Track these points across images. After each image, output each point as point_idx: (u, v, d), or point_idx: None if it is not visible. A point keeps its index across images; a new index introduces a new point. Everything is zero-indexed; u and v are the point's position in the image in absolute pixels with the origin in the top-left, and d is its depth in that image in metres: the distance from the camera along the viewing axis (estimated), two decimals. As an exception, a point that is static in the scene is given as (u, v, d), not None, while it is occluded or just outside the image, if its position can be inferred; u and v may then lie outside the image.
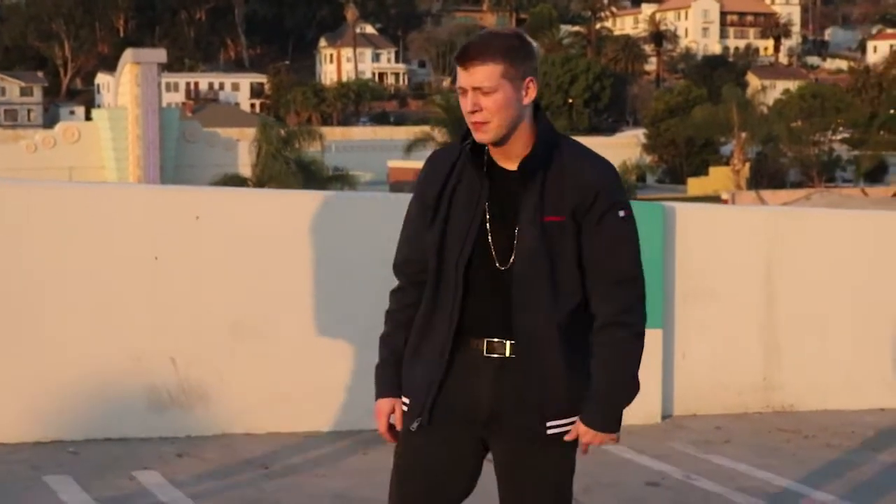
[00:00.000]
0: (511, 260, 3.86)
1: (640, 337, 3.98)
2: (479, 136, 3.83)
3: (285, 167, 60.18)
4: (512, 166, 3.88)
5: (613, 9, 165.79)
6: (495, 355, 3.88)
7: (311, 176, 59.45)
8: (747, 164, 79.73)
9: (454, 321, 3.88)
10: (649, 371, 8.49)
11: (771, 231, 9.17)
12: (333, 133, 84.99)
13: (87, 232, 7.51)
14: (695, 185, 79.55)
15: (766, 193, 67.41)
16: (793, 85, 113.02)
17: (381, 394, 4.06)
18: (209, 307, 7.68)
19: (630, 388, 3.94)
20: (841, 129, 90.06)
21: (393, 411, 4.03)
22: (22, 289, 7.37)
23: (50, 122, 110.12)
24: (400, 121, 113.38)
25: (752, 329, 9.05)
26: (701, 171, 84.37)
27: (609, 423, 3.91)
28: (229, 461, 7.20)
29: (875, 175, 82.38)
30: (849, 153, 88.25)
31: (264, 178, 58.83)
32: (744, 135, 78.29)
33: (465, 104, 3.84)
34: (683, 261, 8.77)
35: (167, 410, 7.60)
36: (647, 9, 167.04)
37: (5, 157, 71.50)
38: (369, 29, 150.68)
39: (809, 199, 52.57)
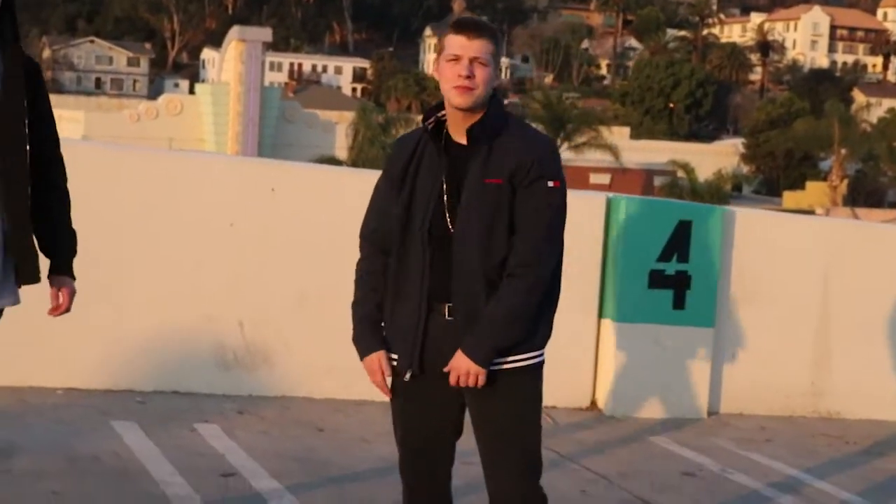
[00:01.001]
0: (450, 219, 4.34)
1: (541, 286, 4.34)
2: (462, 100, 4.28)
3: (381, 152, 60.70)
4: (465, 139, 4.37)
5: (721, 16, 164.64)
6: (454, 318, 4.36)
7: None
8: (845, 181, 79.07)
9: (425, 285, 4.36)
10: (699, 368, 8.79)
11: (829, 240, 9.39)
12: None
13: (171, 196, 7.94)
14: (790, 198, 79.08)
15: (861, 211, 66.96)
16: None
17: (367, 351, 4.50)
18: (278, 276, 8.07)
19: (519, 328, 4.34)
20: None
21: (381, 365, 4.48)
22: (108, 245, 7.79)
23: (155, 93, 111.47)
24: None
25: (804, 334, 9.27)
26: (798, 184, 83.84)
27: (481, 354, 4.30)
28: (285, 421, 7.59)
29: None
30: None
31: (359, 161, 59.45)
32: (844, 151, 77.55)
33: (457, 69, 4.28)
34: (740, 263, 9.01)
35: (232, 370, 8.01)
36: (755, 18, 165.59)
37: (109, 125, 72.74)
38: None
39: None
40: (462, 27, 4.34)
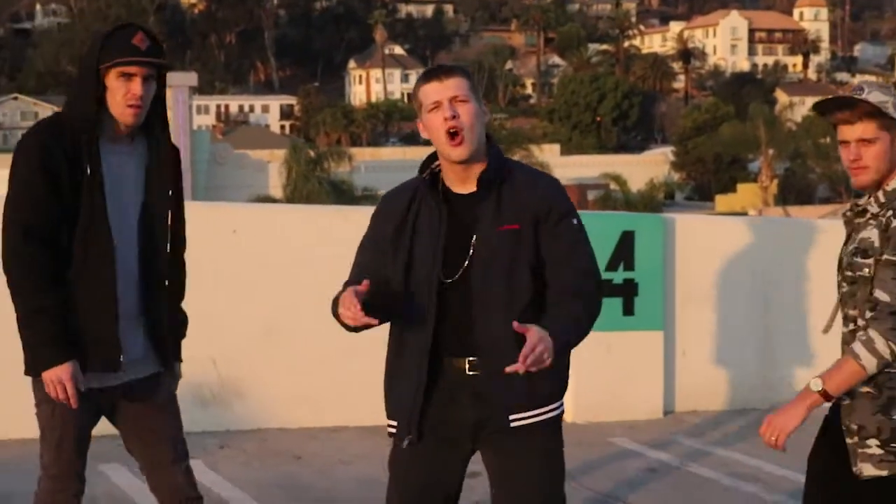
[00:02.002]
0: (463, 269, 4.17)
1: (595, 312, 4.27)
2: (458, 151, 4.14)
3: (318, 187, 60.98)
4: (468, 189, 4.24)
5: (641, 27, 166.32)
6: (475, 372, 4.17)
7: (341, 196, 60.26)
8: (775, 181, 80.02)
9: (429, 341, 4.18)
10: (652, 370, 9.20)
11: (765, 238, 9.84)
12: (363, 153, 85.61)
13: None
14: (723, 202, 79.95)
15: (793, 209, 67.85)
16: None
17: (339, 295, 4.21)
18: (245, 312, 8.43)
19: (580, 332, 4.19)
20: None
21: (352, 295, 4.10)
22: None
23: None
24: (429, 141, 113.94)
25: (750, 330, 9.71)
26: (729, 188, 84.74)
27: (564, 337, 4.06)
28: (264, 452, 7.95)
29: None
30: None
31: (295, 198, 59.65)
32: (771, 151, 78.52)
33: (441, 114, 4.15)
34: (683, 267, 9.44)
35: (209, 406, 8.35)
36: (675, 26, 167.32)
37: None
38: (398, 50, 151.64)
39: (836, 214, 53.06)
40: (430, 75, 4.24)
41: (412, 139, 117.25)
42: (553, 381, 4.25)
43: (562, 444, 4.38)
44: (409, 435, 4.24)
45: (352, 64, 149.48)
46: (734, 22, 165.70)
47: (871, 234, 4.23)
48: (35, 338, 4.46)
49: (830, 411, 4.37)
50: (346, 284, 4.28)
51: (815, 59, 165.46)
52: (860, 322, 4.21)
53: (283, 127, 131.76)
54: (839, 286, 4.37)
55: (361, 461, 7.80)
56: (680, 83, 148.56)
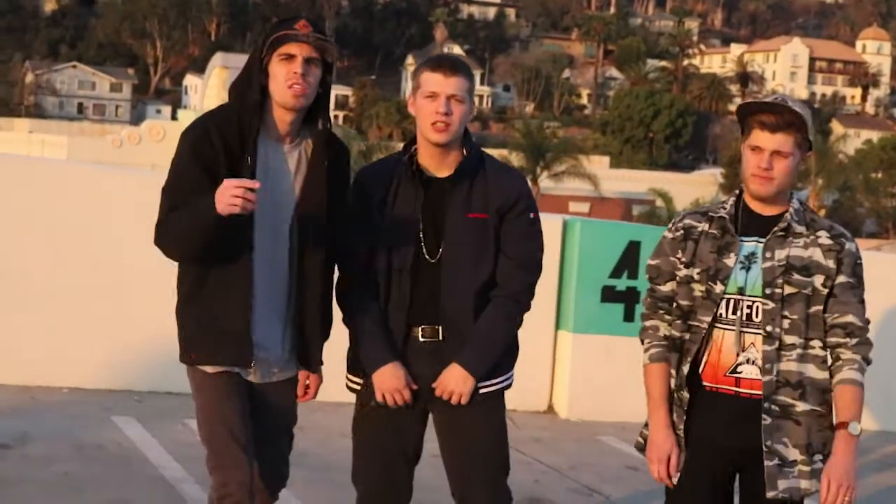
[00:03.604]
0: (440, 252, 4.58)
1: (522, 314, 4.71)
2: (439, 136, 4.50)
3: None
4: (442, 173, 4.61)
5: (702, 46, 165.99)
6: (428, 339, 4.61)
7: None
8: (822, 211, 80.00)
9: (402, 311, 4.59)
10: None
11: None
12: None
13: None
14: (767, 227, 79.97)
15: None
16: (877, 136, 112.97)
17: (381, 363, 4.60)
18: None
19: (501, 349, 4.66)
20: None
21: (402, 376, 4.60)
22: (103, 258, 8.65)
23: (137, 119, 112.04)
24: (480, 142, 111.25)
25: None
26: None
27: (478, 368, 4.58)
28: (270, 419, 8.40)
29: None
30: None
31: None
32: (820, 182, 78.44)
33: (435, 106, 4.49)
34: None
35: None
36: (735, 49, 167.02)
37: (92, 150, 73.25)
38: (457, 49, 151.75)
39: (880, 249, 53.14)
40: (438, 65, 4.53)
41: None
42: (507, 357, 4.74)
43: (504, 408, 4.80)
44: (375, 396, 4.63)
45: (409, 60, 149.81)
46: (795, 49, 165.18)
47: (812, 253, 4.35)
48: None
49: (704, 434, 4.43)
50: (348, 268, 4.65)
51: (874, 93, 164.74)
52: (788, 339, 4.31)
53: (336, 117, 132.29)
54: (740, 304, 4.39)
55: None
56: (736, 106, 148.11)
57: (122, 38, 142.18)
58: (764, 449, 4.33)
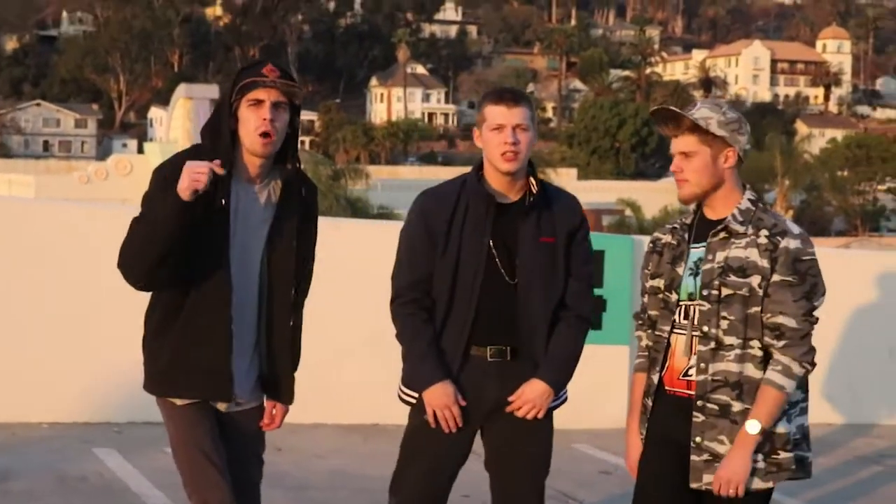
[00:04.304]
0: (515, 274, 4.80)
1: (586, 334, 5.00)
2: (509, 166, 4.74)
3: (335, 203, 61.56)
4: (508, 198, 4.82)
5: (664, 54, 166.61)
6: (497, 359, 4.81)
7: (357, 213, 60.87)
8: (790, 212, 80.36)
9: (466, 331, 4.79)
10: (617, 382, 9.78)
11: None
12: (381, 172, 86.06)
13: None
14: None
15: (806, 241, 68.07)
16: (841, 134, 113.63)
17: (433, 380, 4.79)
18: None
19: (575, 365, 4.97)
20: (887, 178, 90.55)
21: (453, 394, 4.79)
22: (76, 297, 8.79)
23: (103, 154, 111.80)
24: (448, 161, 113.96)
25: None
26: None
27: (559, 383, 4.87)
28: (248, 443, 8.54)
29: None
30: (894, 202, 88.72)
31: (311, 213, 60.10)
32: (787, 182, 78.80)
33: (503, 137, 4.74)
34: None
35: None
36: (697, 55, 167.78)
37: (60, 187, 73.08)
38: (420, 69, 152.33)
39: (848, 247, 53.49)
40: (500, 98, 4.81)
41: (431, 159, 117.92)
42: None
43: (552, 422, 5.03)
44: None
45: (374, 82, 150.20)
46: (756, 52, 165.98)
47: (749, 254, 4.41)
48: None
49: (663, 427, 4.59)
50: (401, 289, 4.85)
51: (836, 92, 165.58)
52: (727, 340, 4.41)
53: (302, 142, 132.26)
54: (681, 308, 4.54)
55: (334, 455, 8.46)
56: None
57: (85, 73, 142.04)
58: (692, 444, 4.48)
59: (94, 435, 8.50)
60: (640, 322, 4.77)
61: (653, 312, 4.65)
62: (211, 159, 4.51)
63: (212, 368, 4.60)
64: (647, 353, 4.72)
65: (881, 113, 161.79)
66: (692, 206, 4.61)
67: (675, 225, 4.67)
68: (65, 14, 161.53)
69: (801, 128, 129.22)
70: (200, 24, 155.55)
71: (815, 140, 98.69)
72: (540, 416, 4.81)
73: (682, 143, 4.49)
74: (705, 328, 4.45)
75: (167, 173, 4.53)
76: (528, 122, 4.77)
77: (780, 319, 4.39)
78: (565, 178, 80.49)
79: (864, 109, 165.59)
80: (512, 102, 4.77)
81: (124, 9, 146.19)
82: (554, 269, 4.83)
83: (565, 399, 5.01)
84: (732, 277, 4.42)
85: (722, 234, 4.50)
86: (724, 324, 4.43)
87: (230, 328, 4.60)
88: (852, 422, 10.64)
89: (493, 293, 4.77)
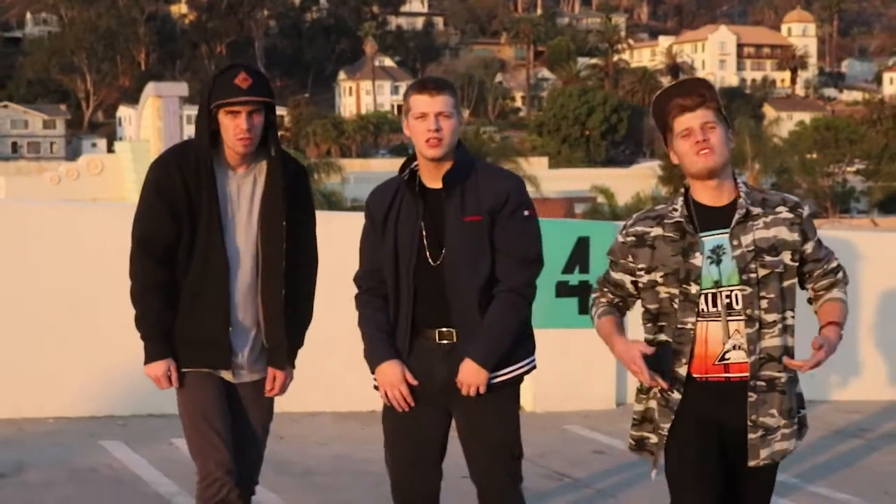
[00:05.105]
0: (441, 256, 4.93)
1: (528, 306, 5.03)
2: (433, 151, 4.88)
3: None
4: (439, 184, 4.96)
5: (630, 41, 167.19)
6: (445, 342, 4.95)
7: (331, 207, 60.97)
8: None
9: (409, 316, 4.96)
10: (605, 364, 10.03)
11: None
12: (353, 165, 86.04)
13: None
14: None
15: (777, 223, 68.43)
16: (808, 117, 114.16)
17: (381, 360, 4.99)
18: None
19: (509, 339, 4.94)
20: (855, 160, 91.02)
21: (401, 373, 4.96)
22: (80, 294, 9.00)
23: (73, 154, 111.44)
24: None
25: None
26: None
27: (488, 360, 4.90)
28: (250, 432, 8.77)
29: (888, 206, 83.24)
30: (863, 184, 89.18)
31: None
32: (757, 166, 79.13)
33: (426, 125, 4.88)
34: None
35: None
36: (664, 41, 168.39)
37: (31, 188, 72.79)
38: (388, 62, 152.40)
39: (821, 228, 53.85)
40: (423, 87, 4.95)
41: (402, 151, 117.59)
42: (519, 347, 5.01)
43: (518, 397, 5.14)
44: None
45: (342, 75, 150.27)
46: (722, 37, 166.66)
47: (776, 232, 4.55)
48: (141, 336, 5.08)
49: (693, 408, 4.57)
50: (359, 274, 5.10)
51: (803, 75, 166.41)
52: (769, 318, 4.53)
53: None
54: (719, 296, 4.54)
55: (335, 441, 8.71)
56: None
57: (52, 74, 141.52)
58: (749, 423, 4.56)
59: (100, 428, 8.72)
60: (605, 289, 4.86)
61: (651, 306, 4.66)
62: (196, 154, 4.99)
63: (212, 340, 5.01)
64: (611, 306, 4.82)
65: (847, 95, 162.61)
66: (679, 201, 4.64)
67: (665, 219, 4.65)
68: (29, 15, 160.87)
69: (769, 111, 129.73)
70: (166, 21, 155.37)
71: (784, 123, 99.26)
72: (481, 391, 4.89)
73: (702, 116, 4.56)
74: (749, 311, 4.54)
75: (157, 175, 5.04)
76: (450, 110, 4.91)
77: (834, 263, 4.73)
78: (536, 167, 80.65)
79: (830, 92, 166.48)
80: (434, 91, 4.92)
81: (89, 8, 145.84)
82: (481, 248, 4.92)
83: (526, 368, 5.07)
84: (767, 258, 4.55)
85: (741, 220, 4.57)
86: (763, 303, 4.55)
87: (227, 302, 5.01)
88: (823, 398, 10.91)
89: (424, 276, 4.94)
